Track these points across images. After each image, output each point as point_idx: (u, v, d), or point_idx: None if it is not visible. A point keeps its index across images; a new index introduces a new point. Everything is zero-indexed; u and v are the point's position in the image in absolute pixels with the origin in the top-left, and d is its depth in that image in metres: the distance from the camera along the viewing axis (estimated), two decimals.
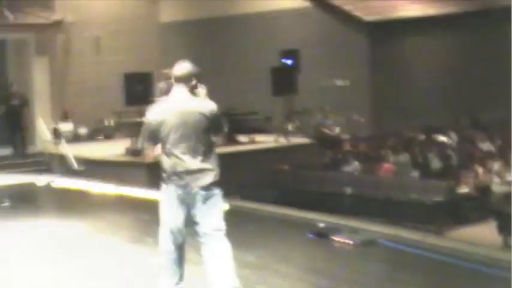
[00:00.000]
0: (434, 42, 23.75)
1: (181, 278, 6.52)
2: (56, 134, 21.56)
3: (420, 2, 23.30)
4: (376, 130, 22.36)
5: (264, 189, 17.58)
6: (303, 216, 10.62)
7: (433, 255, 8.20)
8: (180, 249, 6.47)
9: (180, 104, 6.31)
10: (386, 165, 17.89)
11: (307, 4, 24.37)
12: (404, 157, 18.64)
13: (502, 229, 13.82)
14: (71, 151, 19.30)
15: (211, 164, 6.29)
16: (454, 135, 20.60)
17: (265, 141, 20.51)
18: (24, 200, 13.84)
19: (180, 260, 6.50)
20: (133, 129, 18.65)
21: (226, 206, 6.68)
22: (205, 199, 6.31)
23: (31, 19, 22.00)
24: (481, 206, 15.82)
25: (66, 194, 14.48)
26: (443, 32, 23.44)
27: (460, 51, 23.76)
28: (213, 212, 6.36)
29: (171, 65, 6.90)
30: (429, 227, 14.38)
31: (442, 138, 19.28)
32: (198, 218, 6.36)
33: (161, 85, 7.91)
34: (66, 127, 22.65)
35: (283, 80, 21.12)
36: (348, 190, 16.74)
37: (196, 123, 6.24)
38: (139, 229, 9.81)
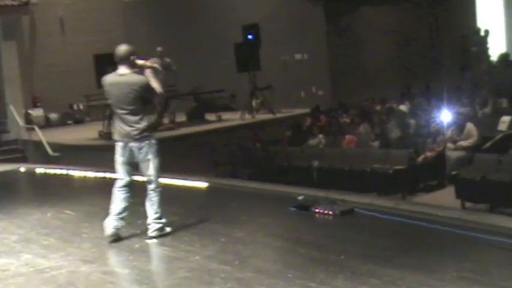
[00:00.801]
0: (387, 13, 23.88)
1: (120, 213, 8.46)
2: (28, 120, 21.43)
3: None
4: (335, 102, 22.50)
5: (235, 166, 17.83)
6: (281, 190, 10.87)
7: (406, 220, 8.54)
8: (126, 189, 8.43)
9: (119, 79, 8.28)
10: (349, 137, 18.08)
11: None
12: (364, 128, 18.91)
13: (459, 193, 14.23)
14: (44, 137, 19.23)
15: (142, 122, 8.19)
16: (408, 104, 20.79)
17: (232, 118, 20.66)
18: (8, 188, 13.88)
19: (122, 199, 8.45)
20: (105, 112, 18.64)
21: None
22: (138, 149, 8.23)
23: None
24: (438, 172, 16.18)
25: (48, 180, 14.46)
26: (395, 0, 23.57)
27: (411, 19, 23.95)
28: (146, 162, 8.27)
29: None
30: (394, 195, 14.83)
31: (401, 107, 19.47)
32: (139, 165, 8.34)
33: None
34: (36, 113, 22.50)
35: (247, 56, 21.16)
36: (315, 163, 16.95)
37: (128, 93, 8.15)
38: (129, 212, 9.91)
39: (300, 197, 9.59)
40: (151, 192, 8.37)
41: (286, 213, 9.25)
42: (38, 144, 19.17)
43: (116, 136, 8.45)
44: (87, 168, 14.35)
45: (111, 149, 17.33)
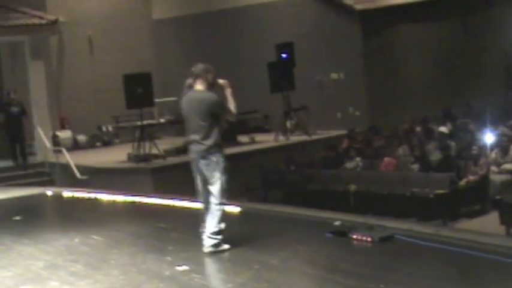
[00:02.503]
0: (426, 30, 23.79)
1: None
2: (56, 142, 21.54)
3: None
4: (373, 123, 22.40)
5: (269, 190, 17.81)
6: (317, 215, 10.79)
7: (448, 248, 8.40)
8: (205, 204, 8.70)
9: (192, 95, 8.73)
10: (387, 159, 18.02)
11: None
12: (403, 150, 18.84)
13: (504, 219, 14.06)
14: (72, 160, 19.35)
15: (210, 139, 8.54)
16: (450, 125, 20.65)
17: (265, 140, 20.63)
18: (35, 213, 13.96)
19: (206, 212, 8.70)
20: (134, 133, 18.74)
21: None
22: (206, 165, 8.59)
23: (24, 20, 21.62)
24: (481, 196, 16.03)
25: (76, 204, 14.51)
26: (435, 17, 23.47)
27: (452, 37, 23.84)
28: (212, 178, 8.59)
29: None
30: (434, 221, 14.71)
31: (442, 128, 19.33)
32: (207, 180, 8.64)
33: (188, 81, 9.06)
34: (64, 135, 22.62)
35: (280, 76, 21.18)
36: (352, 187, 16.90)
37: (200, 109, 8.57)
38: (158, 237, 9.90)
39: (337, 223, 9.54)
40: (213, 206, 8.67)
41: (322, 240, 9.17)
42: (66, 167, 19.27)
43: (189, 152, 8.86)
44: (116, 192, 14.40)
45: (140, 172, 17.71)
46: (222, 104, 8.68)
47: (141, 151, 18.18)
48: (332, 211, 11.24)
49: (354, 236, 8.97)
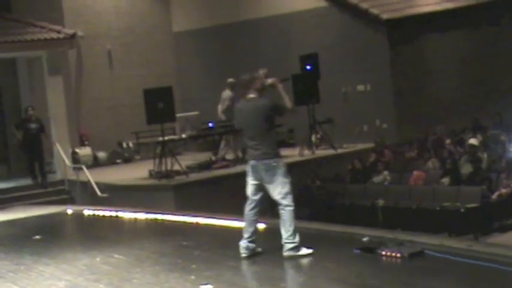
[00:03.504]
0: (455, 38, 23.68)
1: (249, 237, 9.22)
2: (75, 159, 21.64)
3: None
4: (400, 136, 22.33)
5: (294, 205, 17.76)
6: (344, 231, 10.80)
7: (480, 263, 8.35)
8: (255, 211, 9.23)
9: (245, 104, 9.25)
10: (417, 173, 17.99)
11: (323, 4, 23.87)
12: (433, 163, 18.79)
13: None
14: (92, 177, 19.45)
15: (267, 144, 8.96)
16: (480, 137, 20.55)
17: (290, 155, 20.63)
18: (55, 232, 14.06)
19: (250, 222, 9.21)
20: (155, 149, 18.81)
21: None
22: (265, 170, 8.95)
23: (42, 34, 21.76)
24: None
25: (97, 222, 14.61)
26: (464, 26, 23.43)
27: (482, 45, 23.77)
28: (273, 184, 9.01)
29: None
30: (466, 236, 14.66)
31: (472, 140, 19.24)
32: (266, 187, 9.07)
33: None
34: (84, 152, 22.71)
35: (305, 88, 21.20)
36: (380, 202, 16.89)
37: (255, 116, 9.02)
38: (181, 256, 9.91)
39: (365, 239, 9.55)
40: (280, 210, 9.10)
41: (350, 256, 9.17)
42: (86, 185, 19.37)
43: (247, 157, 9.42)
44: (138, 210, 14.46)
45: (162, 189, 17.73)
46: (276, 105, 9.13)
47: (163, 167, 18.23)
48: (360, 227, 11.26)
49: (383, 252, 8.96)
